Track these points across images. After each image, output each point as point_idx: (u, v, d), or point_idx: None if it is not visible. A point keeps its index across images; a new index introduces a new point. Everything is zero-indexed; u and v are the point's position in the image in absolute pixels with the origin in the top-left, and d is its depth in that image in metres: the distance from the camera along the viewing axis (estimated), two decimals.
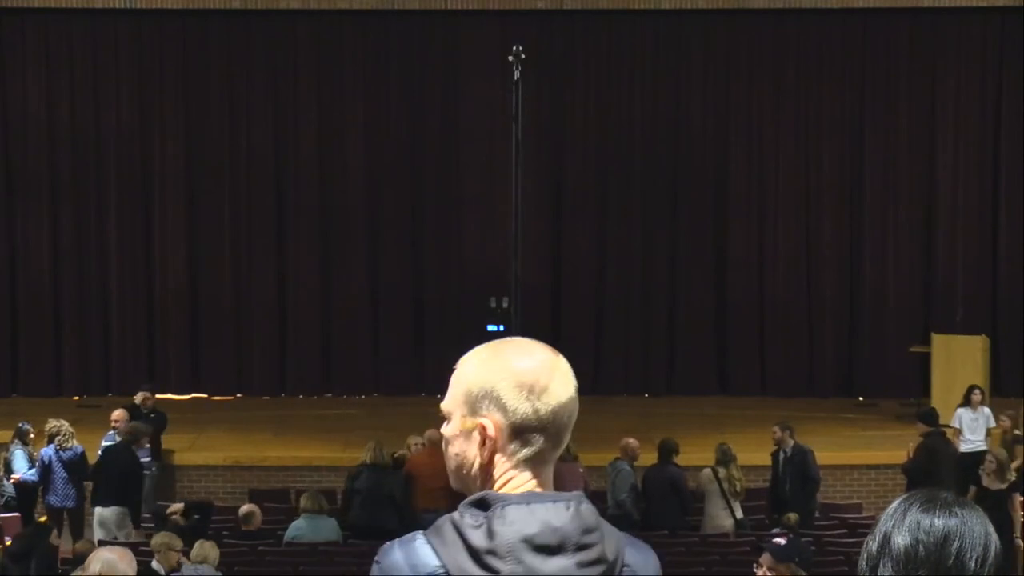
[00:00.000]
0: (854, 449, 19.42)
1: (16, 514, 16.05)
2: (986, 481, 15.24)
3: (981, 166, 23.24)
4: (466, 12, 22.80)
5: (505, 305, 17.60)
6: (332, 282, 23.48)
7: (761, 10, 22.88)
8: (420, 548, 2.53)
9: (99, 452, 16.47)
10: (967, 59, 23.16)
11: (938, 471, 15.51)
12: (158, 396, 19.73)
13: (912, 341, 21.74)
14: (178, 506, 16.15)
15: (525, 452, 2.59)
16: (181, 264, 23.31)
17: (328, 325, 23.48)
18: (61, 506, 16.34)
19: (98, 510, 15.90)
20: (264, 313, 23.36)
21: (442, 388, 2.68)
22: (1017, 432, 17.70)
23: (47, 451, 16.39)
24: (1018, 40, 22.47)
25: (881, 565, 2.69)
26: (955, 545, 2.66)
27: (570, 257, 23.47)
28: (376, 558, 2.57)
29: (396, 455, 16.07)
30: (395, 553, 2.54)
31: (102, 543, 13.81)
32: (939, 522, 2.67)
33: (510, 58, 16.32)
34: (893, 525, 2.70)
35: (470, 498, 2.56)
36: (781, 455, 16.21)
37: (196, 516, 15.57)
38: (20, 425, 17.16)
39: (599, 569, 2.53)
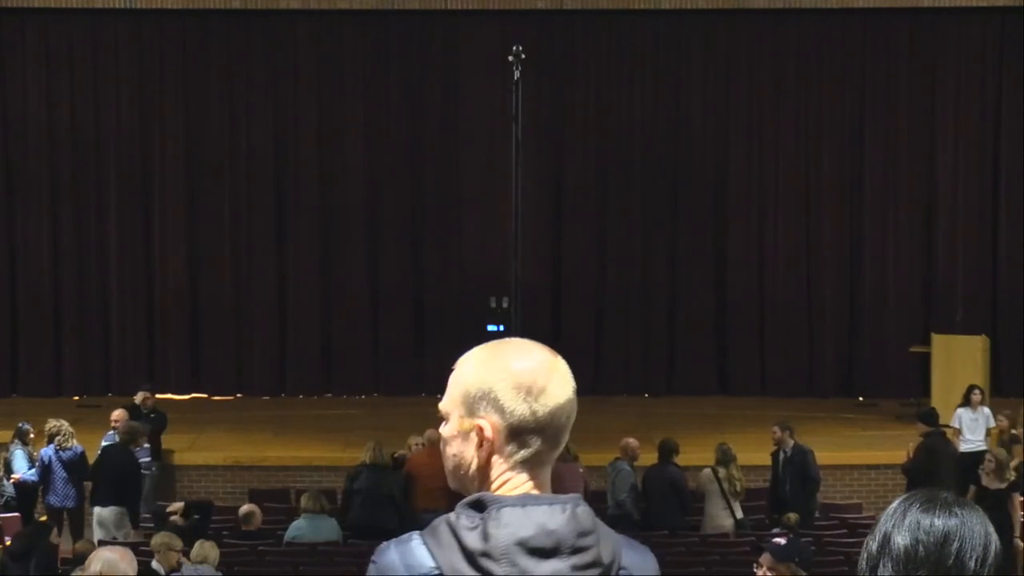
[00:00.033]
0: (854, 449, 19.42)
1: (16, 514, 16.05)
2: (985, 481, 15.24)
3: (981, 166, 23.24)
4: (466, 12, 22.80)
5: (505, 305, 17.60)
6: (332, 282, 23.48)
7: (761, 10, 22.89)
8: (416, 549, 2.53)
9: (98, 452, 16.47)
10: (967, 59, 23.16)
11: (938, 471, 15.50)
12: (158, 396, 19.72)
13: (912, 341, 21.74)
14: (178, 506, 16.15)
15: (522, 454, 2.59)
16: (181, 264, 23.31)
17: (328, 325, 23.48)
18: (61, 506, 16.34)
19: (97, 510, 15.91)
20: (264, 313, 23.36)
21: (442, 388, 2.68)
22: (1015, 432, 17.69)
23: (47, 451, 16.39)
24: (1018, 40, 22.47)
25: (881, 565, 2.69)
26: (955, 545, 2.66)
27: (570, 257, 23.47)
28: (372, 558, 2.58)
29: (396, 455, 16.07)
30: (391, 553, 2.55)
31: (102, 543, 13.81)
32: (939, 522, 2.67)
33: (510, 58, 16.32)
34: (893, 525, 2.70)
35: (467, 499, 2.56)
36: (781, 455, 16.21)
37: (196, 516, 15.57)
38: (20, 425, 17.16)
39: (594, 572, 2.52)
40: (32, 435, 17.06)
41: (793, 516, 14.97)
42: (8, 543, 14.01)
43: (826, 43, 23.20)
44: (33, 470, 16.53)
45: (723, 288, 23.41)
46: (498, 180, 20.98)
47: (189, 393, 23.06)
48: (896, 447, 17.65)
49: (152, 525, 15.86)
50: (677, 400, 22.65)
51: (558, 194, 23.47)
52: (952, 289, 22.86)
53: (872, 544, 2.71)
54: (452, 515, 2.54)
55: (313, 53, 23.28)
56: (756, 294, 23.41)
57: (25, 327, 23.18)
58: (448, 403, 2.64)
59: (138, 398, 18.37)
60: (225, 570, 12.78)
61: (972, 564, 2.65)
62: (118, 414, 17.03)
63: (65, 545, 14.86)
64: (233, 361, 23.35)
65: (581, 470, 15.23)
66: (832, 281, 23.35)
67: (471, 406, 2.60)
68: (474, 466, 2.61)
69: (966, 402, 18.11)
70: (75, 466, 16.32)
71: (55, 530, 14.53)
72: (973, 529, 2.67)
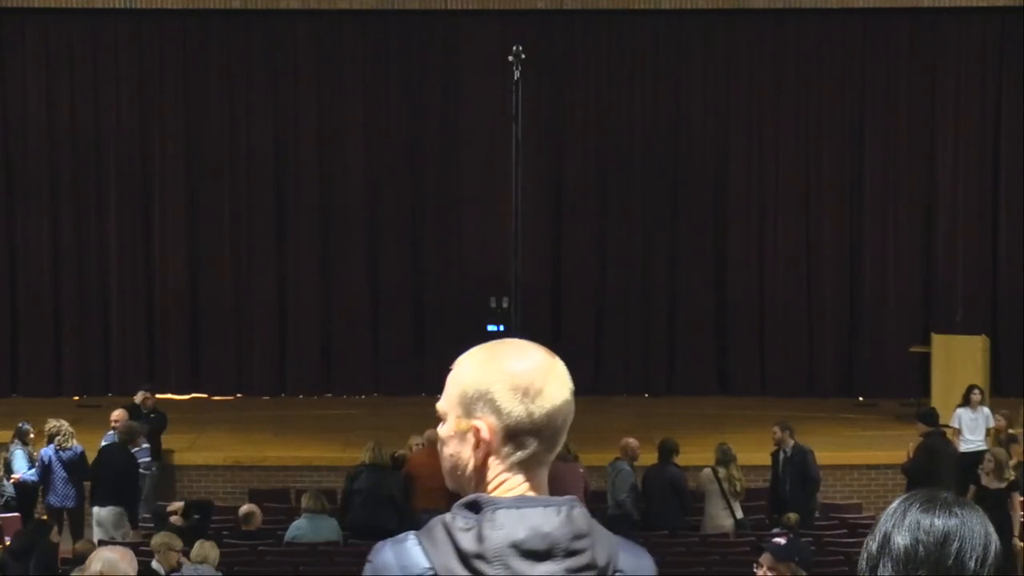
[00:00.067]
0: (854, 449, 19.42)
1: (16, 514, 16.05)
2: (985, 480, 15.25)
3: (981, 166, 23.24)
4: (466, 12, 22.80)
5: (505, 305, 17.61)
6: (332, 282, 23.48)
7: (761, 10, 22.89)
8: (411, 549, 2.53)
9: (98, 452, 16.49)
10: (967, 59, 23.16)
11: (938, 471, 15.50)
12: (158, 396, 19.73)
13: (912, 341, 21.74)
14: (178, 506, 16.15)
15: (519, 455, 2.59)
16: (181, 264, 23.31)
17: (328, 325, 23.48)
18: (61, 506, 16.34)
19: (95, 510, 15.92)
20: (264, 313, 23.36)
21: (442, 388, 2.67)
22: (1012, 431, 17.69)
23: (47, 451, 16.39)
24: (1018, 40, 22.47)
25: (881, 565, 2.69)
26: (955, 545, 2.66)
27: (570, 257, 23.47)
28: (369, 557, 2.58)
29: (396, 455, 16.07)
30: (387, 553, 2.55)
31: (102, 543, 13.81)
32: (939, 522, 2.67)
33: (510, 58, 16.33)
34: (893, 525, 2.70)
35: (463, 500, 2.57)
36: (781, 455, 16.21)
37: (196, 516, 15.57)
38: (20, 425, 17.17)
39: (589, 575, 2.52)
40: (32, 435, 17.06)
41: (793, 516, 14.98)
42: (8, 543, 14.01)
43: (826, 43, 23.20)
44: (33, 470, 16.53)
45: (723, 288, 23.41)
46: (498, 180, 20.98)
47: (189, 393, 23.07)
48: (896, 447, 17.65)
49: (152, 525, 15.87)
50: (677, 400, 22.65)
51: (558, 194, 23.47)
52: (952, 289, 22.87)
53: (872, 544, 2.71)
54: (448, 515, 2.54)
55: (313, 53, 23.28)
56: (756, 294, 23.41)
57: (25, 327, 23.19)
58: (445, 403, 2.64)
59: (138, 398, 18.37)
60: (225, 570, 12.78)
61: (972, 564, 2.65)
62: (118, 414, 17.03)
63: (65, 545, 14.86)
64: (233, 361, 23.35)
65: (581, 470, 15.22)
66: (832, 281, 23.35)
67: (468, 407, 2.59)
68: (471, 467, 2.60)
69: (966, 402, 18.11)
70: (75, 466, 16.32)
71: (55, 528, 14.53)
72: (973, 529, 2.67)
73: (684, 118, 23.41)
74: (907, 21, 23.11)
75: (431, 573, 2.50)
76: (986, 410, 18.14)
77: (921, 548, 2.66)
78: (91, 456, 16.41)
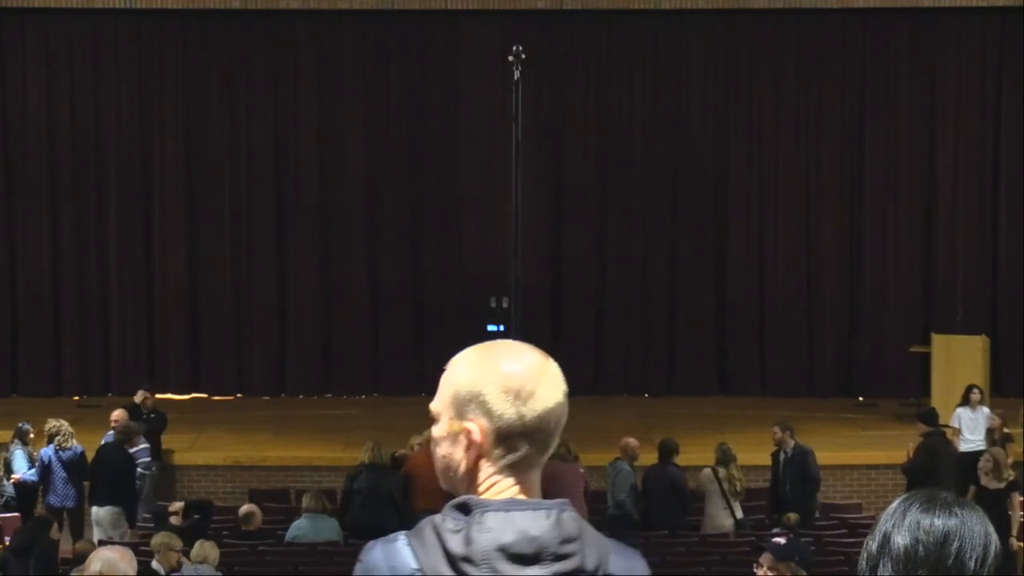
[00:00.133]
0: (854, 449, 19.42)
1: (16, 514, 16.04)
2: (984, 480, 15.25)
3: (981, 166, 23.24)
4: (466, 12, 22.80)
5: (505, 305, 17.61)
6: (332, 282, 23.48)
7: (761, 10, 22.89)
8: (400, 549, 2.53)
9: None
10: (967, 59, 23.16)
11: (938, 471, 15.50)
12: (158, 396, 19.74)
13: (912, 341, 21.74)
14: (178, 506, 16.13)
15: (510, 457, 2.58)
16: (181, 264, 23.31)
17: (328, 325, 23.48)
18: (61, 506, 16.34)
19: (94, 510, 15.92)
20: (264, 313, 23.36)
21: None
22: (1007, 431, 17.68)
23: (47, 451, 16.39)
24: (1018, 40, 22.47)
25: (881, 565, 2.69)
26: (955, 545, 2.66)
27: (570, 257, 23.47)
28: (359, 556, 2.59)
29: (396, 455, 16.06)
30: (376, 553, 2.55)
31: (102, 543, 13.80)
32: (939, 522, 2.67)
33: (510, 58, 16.33)
34: (893, 525, 2.70)
35: (454, 501, 2.57)
36: (781, 455, 16.20)
37: (196, 516, 15.56)
38: (20, 425, 17.16)
39: None
40: (32, 435, 17.06)
41: (793, 516, 14.97)
42: (8, 542, 14.01)
43: (826, 43, 23.20)
44: (33, 470, 16.53)
45: (723, 288, 23.41)
46: (498, 180, 20.98)
47: (189, 393, 23.07)
48: (896, 447, 17.65)
49: (152, 525, 15.86)
50: (677, 400, 22.65)
51: (558, 194, 23.47)
52: (952, 289, 22.86)
53: (872, 544, 2.71)
54: (438, 517, 2.54)
55: (313, 53, 23.28)
56: (756, 294, 23.41)
57: (25, 327, 23.18)
58: (439, 404, 2.63)
59: (138, 398, 18.38)
60: (225, 570, 12.78)
61: (972, 564, 2.65)
62: (118, 414, 17.02)
63: (65, 545, 14.85)
64: (233, 361, 23.36)
65: (581, 470, 15.22)
66: (832, 281, 23.35)
67: (460, 408, 2.59)
68: (462, 468, 2.60)
69: (965, 402, 18.11)
70: (75, 466, 16.32)
71: (55, 525, 14.52)
72: (973, 529, 2.67)
73: (684, 118, 23.41)
74: (907, 21, 23.11)
75: (419, 574, 2.50)
76: (986, 410, 18.14)
77: (921, 548, 2.66)
78: (91, 456, 16.41)
